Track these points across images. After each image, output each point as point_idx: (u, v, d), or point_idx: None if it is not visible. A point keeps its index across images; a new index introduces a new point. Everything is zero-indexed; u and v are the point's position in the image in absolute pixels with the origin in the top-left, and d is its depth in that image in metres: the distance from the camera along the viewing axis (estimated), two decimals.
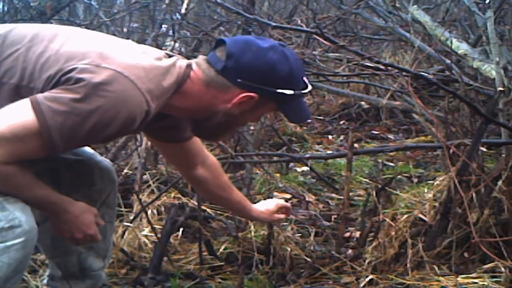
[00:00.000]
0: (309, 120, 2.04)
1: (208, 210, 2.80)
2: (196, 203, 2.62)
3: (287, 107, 1.67)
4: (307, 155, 3.49)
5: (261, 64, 1.60)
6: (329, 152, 4.36)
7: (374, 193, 2.51)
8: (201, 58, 1.66)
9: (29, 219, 1.51)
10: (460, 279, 2.02)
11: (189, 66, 1.64)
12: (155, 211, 2.83)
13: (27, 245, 1.50)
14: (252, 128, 3.79)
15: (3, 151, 1.46)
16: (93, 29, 5.53)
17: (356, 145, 4.39)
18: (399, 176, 3.52)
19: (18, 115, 1.47)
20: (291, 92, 1.63)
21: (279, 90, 1.61)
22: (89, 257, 1.90)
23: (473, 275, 2.03)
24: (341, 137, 4.97)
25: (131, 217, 2.61)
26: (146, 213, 2.57)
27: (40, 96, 1.47)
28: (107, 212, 1.89)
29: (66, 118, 1.46)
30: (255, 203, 2.09)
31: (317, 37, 3.27)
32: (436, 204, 2.26)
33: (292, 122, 1.83)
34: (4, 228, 1.47)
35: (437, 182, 2.37)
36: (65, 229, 1.65)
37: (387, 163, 3.91)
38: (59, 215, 1.63)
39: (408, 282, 2.09)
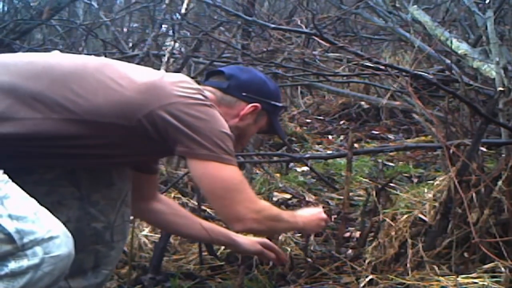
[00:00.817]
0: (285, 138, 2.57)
1: (208, 210, 2.80)
2: (196, 203, 2.62)
3: (276, 120, 1.97)
4: (307, 155, 3.49)
5: (257, 80, 1.92)
6: (329, 152, 4.36)
7: (374, 193, 2.50)
8: (202, 87, 1.89)
9: (63, 228, 1.53)
10: (460, 279, 2.01)
11: None
12: None
13: (70, 255, 1.52)
14: None
15: (248, 199, 1.77)
16: (93, 29, 5.54)
17: (356, 145, 4.39)
18: (399, 176, 3.51)
19: (218, 176, 1.72)
20: (280, 104, 1.96)
21: (273, 102, 1.92)
22: (107, 257, 1.89)
23: (473, 275, 2.03)
24: (341, 137, 4.98)
25: (131, 217, 2.60)
26: None
27: (204, 152, 1.69)
28: (126, 212, 1.90)
29: (219, 138, 1.71)
30: None
31: (316, 38, 3.27)
32: (436, 204, 2.25)
33: (278, 135, 2.08)
34: (45, 239, 1.47)
35: (437, 182, 2.37)
36: (313, 229, 2.09)
37: (387, 163, 3.91)
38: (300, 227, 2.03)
39: (408, 282, 2.09)
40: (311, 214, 2.04)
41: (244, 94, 1.88)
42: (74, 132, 1.64)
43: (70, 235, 1.53)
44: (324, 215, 2.05)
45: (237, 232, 1.99)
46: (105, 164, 1.81)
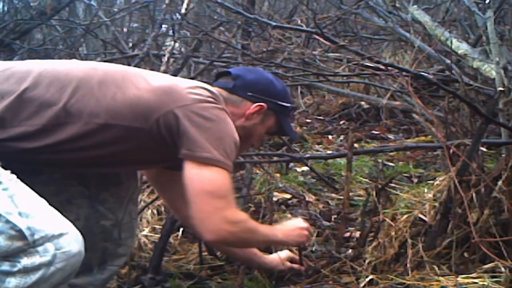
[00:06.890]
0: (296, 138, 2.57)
1: None
2: None
3: (285, 120, 1.98)
4: (307, 155, 3.49)
5: (263, 80, 1.94)
6: (329, 152, 4.35)
7: (374, 193, 2.50)
8: (209, 87, 1.91)
9: (72, 226, 1.55)
10: (460, 279, 2.01)
11: None
12: (155, 211, 2.84)
13: (81, 252, 1.54)
14: None
15: (228, 209, 1.76)
16: (93, 29, 5.53)
17: (356, 145, 4.39)
18: (399, 176, 3.51)
19: (210, 180, 1.73)
20: (288, 105, 1.96)
21: (279, 102, 1.93)
22: (114, 254, 1.90)
23: (473, 275, 2.03)
24: (341, 137, 4.97)
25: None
26: None
27: (205, 155, 1.70)
28: (134, 210, 1.93)
29: (225, 142, 1.74)
30: (256, 203, 2.11)
31: (317, 37, 3.27)
32: (436, 204, 2.25)
33: (288, 136, 2.09)
34: (55, 235, 1.49)
35: (437, 182, 2.36)
36: (295, 240, 2.08)
37: (387, 163, 3.90)
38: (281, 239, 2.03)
39: (408, 282, 2.09)
40: (291, 225, 2.07)
41: (249, 93, 1.91)
42: (96, 138, 1.69)
43: (79, 233, 1.55)
44: (304, 224, 2.08)
45: (208, 242, 2.00)
46: (115, 167, 1.84)
